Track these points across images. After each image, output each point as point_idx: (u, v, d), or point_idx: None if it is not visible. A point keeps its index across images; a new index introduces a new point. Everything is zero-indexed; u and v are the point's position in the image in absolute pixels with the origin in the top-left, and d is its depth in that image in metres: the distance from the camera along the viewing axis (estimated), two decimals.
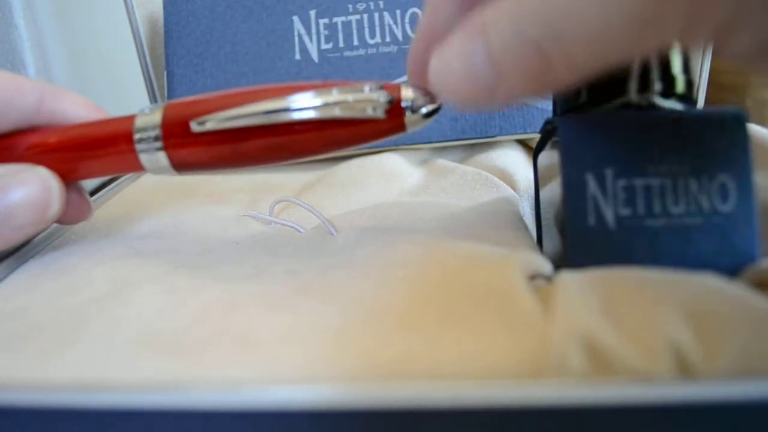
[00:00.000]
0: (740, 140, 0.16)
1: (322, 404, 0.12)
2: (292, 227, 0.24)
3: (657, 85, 0.17)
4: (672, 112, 0.17)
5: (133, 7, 0.37)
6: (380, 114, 0.17)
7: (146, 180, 0.33)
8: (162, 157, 0.18)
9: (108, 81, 0.40)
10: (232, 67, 0.34)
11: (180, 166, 0.19)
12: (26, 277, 0.19)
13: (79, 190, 0.21)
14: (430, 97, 0.17)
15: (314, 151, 0.18)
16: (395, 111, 0.17)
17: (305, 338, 0.14)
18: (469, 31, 0.14)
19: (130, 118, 0.19)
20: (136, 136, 0.18)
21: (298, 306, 0.15)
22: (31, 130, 0.20)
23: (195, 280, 0.17)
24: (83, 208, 0.22)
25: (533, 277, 0.16)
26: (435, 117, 0.17)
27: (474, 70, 0.14)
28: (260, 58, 0.34)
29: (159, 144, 0.18)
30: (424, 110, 0.17)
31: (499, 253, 0.17)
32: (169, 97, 0.35)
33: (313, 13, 0.34)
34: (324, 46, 0.34)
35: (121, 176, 0.32)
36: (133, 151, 0.19)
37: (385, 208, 0.25)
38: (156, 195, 0.30)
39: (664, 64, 0.17)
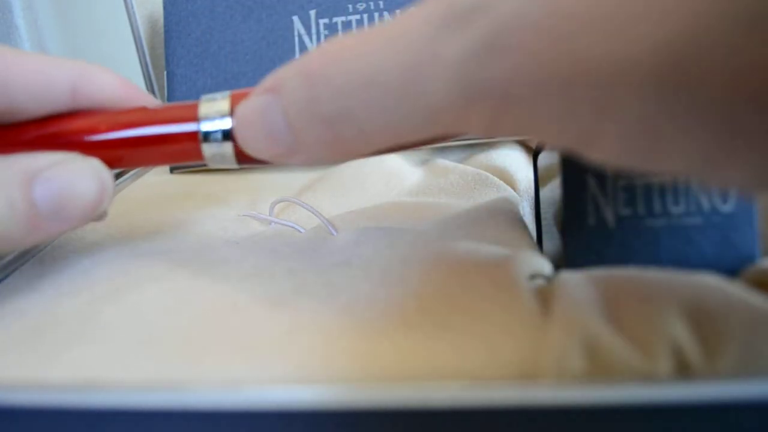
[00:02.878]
0: None
1: (322, 404, 0.12)
2: (292, 227, 0.24)
3: None
4: None
5: (133, 7, 0.37)
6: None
7: (147, 180, 0.33)
8: (227, 148, 0.17)
9: None
10: (232, 67, 0.34)
11: (246, 158, 0.18)
12: (26, 277, 0.19)
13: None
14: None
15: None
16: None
17: (305, 338, 0.14)
18: (266, 87, 0.14)
19: (193, 106, 0.18)
20: (202, 125, 0.17)
21: (298, 306, 0.15)
22: (69, 114, 0.18)
23: (195, 280, 0.17)
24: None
25: (533, 277, 0.16)
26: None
27: (273, 129, 0.14)
28: (260, 58, 0.34)
29: (227, 132, 0.17)
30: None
31: (499, 253, 0.17)
32: (169, 97, 0.35)
33: (313, 13, 0.34)
34: None
35: (127, 174, 0.32)
36: (195, 140, 0.17)
37: (385, 208, 0.25)
38: (156, 195, 0.30)
39: None
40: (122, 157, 0.18)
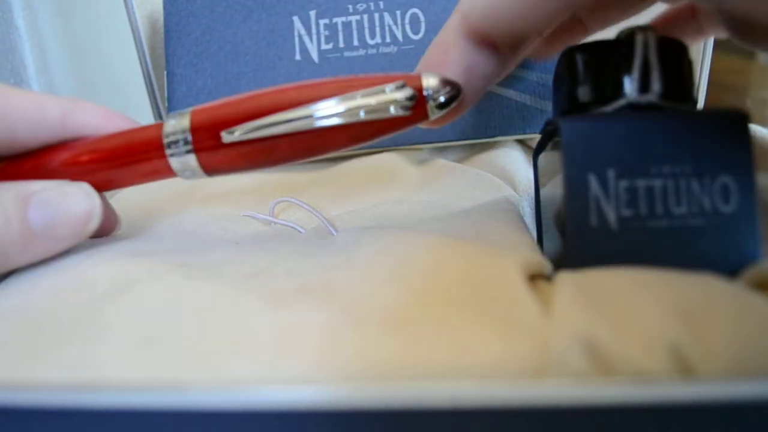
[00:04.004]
0: (741, 141, 0.16)
1: (322, 404, 0.12)
2: (292, 227, 0.24)
3: (657, 86, 0.17)
4: (673, 112, 0.17)
5: (133, 7, 0.37)
6: (403, 112, 0.17)
7: None
8: (192, 160, 0.19)
9: (108, 81, 0.40)
10: (232, 67, 0.34)
11: (210, 169, 0.19)
12: (26, 276, 0.19)
13: (107, 203, 0.22)
14: (450, 83, 0.18)
15: (340, 148, 0.19)
16: (418, 104, 0.17)
17: (305, 338, 0.14)
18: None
19: (159, 125, 0.19)
20: (166, 141, 0.19)
21: (298, 306, 0.15)
22: (59, 145, 0.20)
23: (195, 280, 0.17)
24: (112, 220, 0.22)
25: (533, 277, 0.16)
26: (455, 103, 0.18)
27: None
28: (260, 58, 0.34)
29: (189, 147, 0.19)
30: (442, 98, 0.18)
31: (500, 253, 0.17)
32: (169, 97, 0.35)
33: (313, 13, 0.34)
34: (324, 47, 0.34)
35: None
36: (164, 157, 0.19)
37: (385, 208, 0.25)
38: (156, 195, 0.30)
39: (664, 64, 0.17)
40: (105, 179, 0.20)
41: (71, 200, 0.19)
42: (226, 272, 0.18)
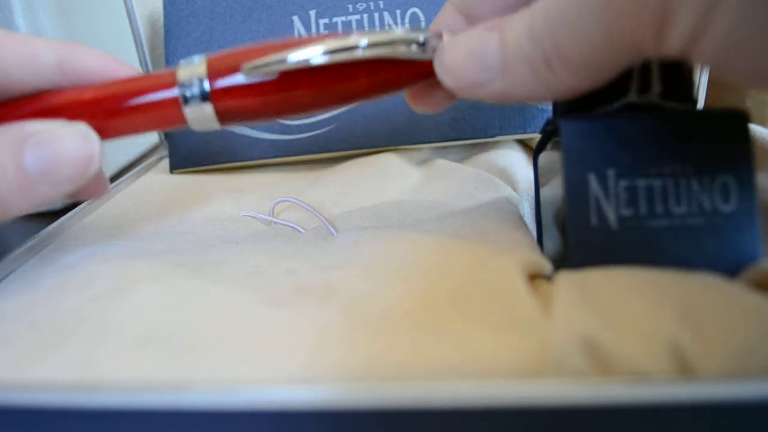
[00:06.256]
0: (741, 140, 0.16)
1: (322, 404, 0.12)
2: (293, 227, 0.24)
3: (657, 86, 0.17)
4: (673, 112, 0.17)
5: (133, 7, 0.37)
6: (419, 52, 0.17)
7: (147, 180, 0.33)
8: (207, 108, 0.18)
9: None
10: None
11: (225, 116, 0.18)
12: (27, 276, 0.19)
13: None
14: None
15: (361, 96, 0.18)
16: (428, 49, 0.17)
17: (305, 338, 0.14)
18: (488, 27, 0.16)
19: (172, 71, 0.18)
20: (180, 88, 0.18)
21: (298, 306, 0.15)
22: (61, 90, 0.19)
23: (195, 280, 0.17)
24: (100, 183, 0.21)
25: (533, 277, 0.16)
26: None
27: (483, 56, 0.15)
28: None
29: (205, 94, 0.18)
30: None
31: (500, 253, 0.17)
32: None
33: (313, 13, 0.34)
34: None
35: (127, 174, 0.32)
36: (176, 104, 0.18)
37: (385, 208, 0.25)
38: (156, 195, 0.30)
39: (664, 65, 0.17)
40: (108, 126, 0.19)
41: (69, 142, 0.17)
42: (226, 272, 0.18)
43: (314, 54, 0.17)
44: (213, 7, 0.35)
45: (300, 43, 0.17)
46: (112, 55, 0.20)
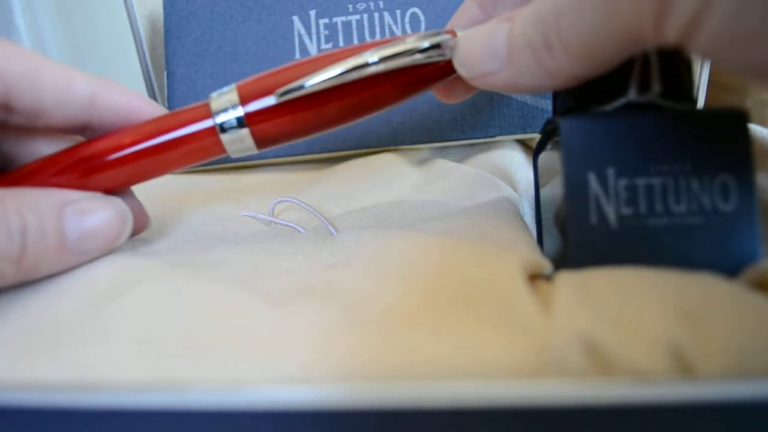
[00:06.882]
0: (741, 140, 0.16)
1: (322, 404, 0.12)
2: (293, 227, 0.24)
3: (657, 86, 0.17)
4: (673, 112, 0.17)
5: (133, 7, 0.37)
6: (439, 55, 0.18)
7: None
8: (245, 135, 0.19)
9: None
10: (232, 67, 0.34)
11: (263, 140, 0.19)
12: None
13: (138, 201, 0.21)
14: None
15: (389, 103, 0.19)
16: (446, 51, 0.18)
17: (305, 338, 0.14)
18: (501, 18, 0.17)
19: (203, 103, 0.19)
20: (217, 119, 0.18)
21: (298, 306, 0.15)
22: (99, 137, 0.19)
23: (195, 280, 0.17)
24: (142, 218, 0.22)
25: (533, 277, 0.16)
26: None
27: (492, 46, 0.16)
28: (260, 58, 0.34)
29: (241, 119, 0.18)
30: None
31: (500, 253, 0.17)
32: (169, 97, 0.35)
33: (313, 13, 0.34)
34: (324, 46, 0.34)
35: None
36: (213, 133, 0.19)
37: (385, 208, 0.25)
38: (156, 195, 0.30)
39: (664, 64, 0.17)
40: (150, 166, 0.19)
41: (106, 214, 0.18)
42: (226, 272, 0.18)
43: (337, 72, 0.17)
44: (213, 7, 0.35)
45: (324, 60, 0.18)
46: (136, 91, 0.20)
